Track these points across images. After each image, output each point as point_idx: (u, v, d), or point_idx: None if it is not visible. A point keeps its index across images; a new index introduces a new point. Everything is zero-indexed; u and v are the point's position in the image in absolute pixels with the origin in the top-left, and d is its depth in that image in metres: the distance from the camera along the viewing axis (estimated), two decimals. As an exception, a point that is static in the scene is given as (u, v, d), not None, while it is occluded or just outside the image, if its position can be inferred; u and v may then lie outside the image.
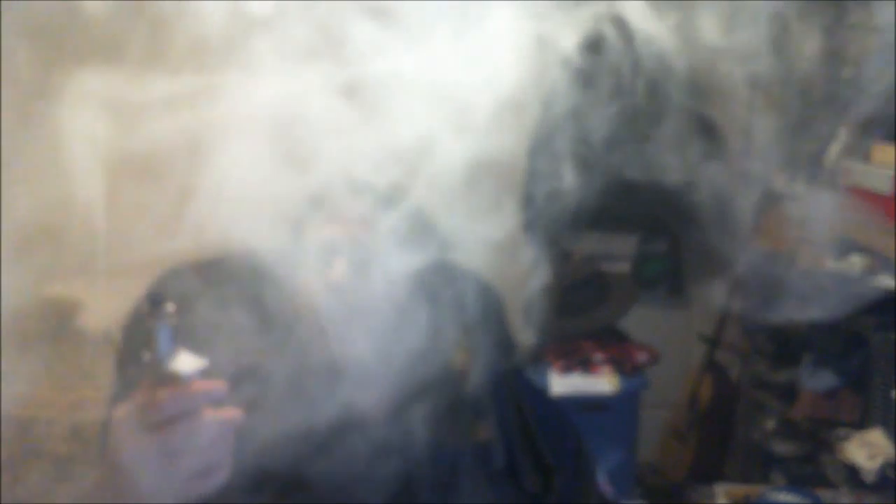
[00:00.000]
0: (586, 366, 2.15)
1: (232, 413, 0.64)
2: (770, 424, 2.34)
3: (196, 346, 1.01)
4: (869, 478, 1.69)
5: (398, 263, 0.88)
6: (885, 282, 1.72)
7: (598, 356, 2.17)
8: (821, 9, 2.38)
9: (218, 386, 0.64)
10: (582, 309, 2.26)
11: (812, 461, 2.19)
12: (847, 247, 1.89)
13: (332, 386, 0.86)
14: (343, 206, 0.89)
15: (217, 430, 0.62)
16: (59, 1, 2.84)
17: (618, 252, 2.87)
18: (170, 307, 0.64)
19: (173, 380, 0.62)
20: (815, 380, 1.99)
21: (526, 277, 3.24)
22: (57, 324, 2.39)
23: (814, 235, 2.02)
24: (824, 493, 1.85)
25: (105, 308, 2.65)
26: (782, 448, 2.26)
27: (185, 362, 0.63)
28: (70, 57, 2.84)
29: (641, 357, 2.18)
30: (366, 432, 0.86)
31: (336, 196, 0.91)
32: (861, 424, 1.87)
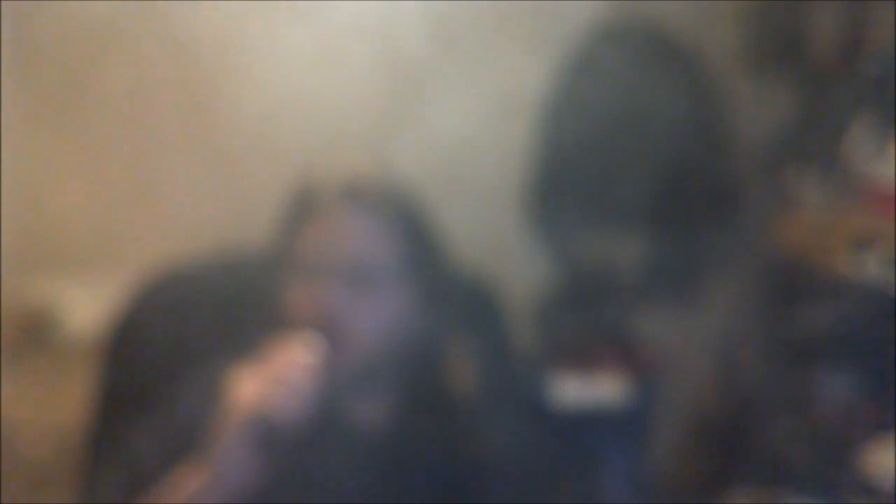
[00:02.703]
0: (592, 369, 2.14)
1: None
2: (784, 431, 2.31)
3: (187, 349, 1.00)
4: (886, 486, 1.67)
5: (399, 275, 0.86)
6: (905, 284, 1.69)
7: (604, 359, 2.14)
8: (840, 1, 2.35)
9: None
10: (586, 310, 2.26)
11: (828, 469, 2.16)
12: (864, 248, 1.86)
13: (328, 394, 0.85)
14: (340, 212, 0.88)
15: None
16: (58, 1, 2.80)
17: (623, 252, 2.85)
18: None
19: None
20: (833, 386, 1.97)
21: (530, 279, 3.20)
22: (40, 328, 2.39)
23: (830, 236, 2.00)
24: (840, 502, 1.82)
25: (90, 313, 2.64)
26: (797, 455, 2.23)
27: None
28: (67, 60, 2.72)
29: (650, 361, 2.18)
30: (363, 442, 0.85)
31: (328, 197, 0.88)
32: (880, 432, 1.82)
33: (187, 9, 2.81)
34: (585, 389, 2.12)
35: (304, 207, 0.89)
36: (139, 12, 2.83)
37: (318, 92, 2.92)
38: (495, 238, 3.07)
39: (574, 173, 2.78)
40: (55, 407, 2.04)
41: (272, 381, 0.73)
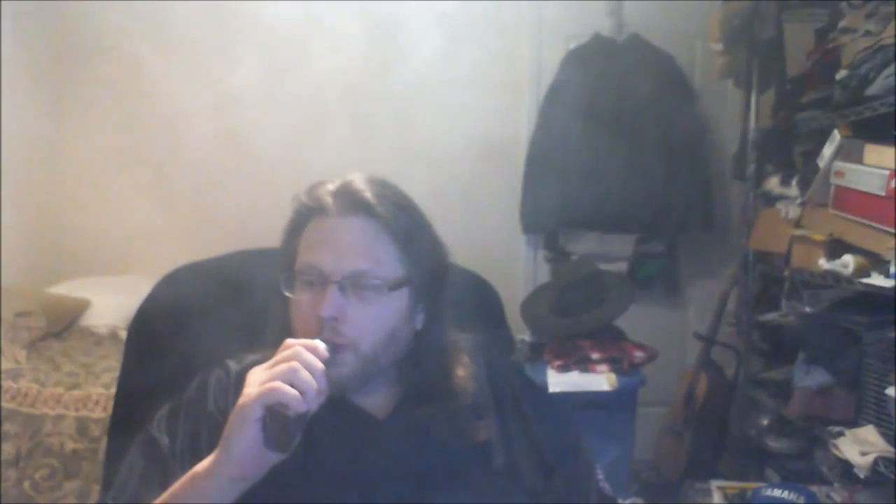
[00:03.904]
0: (584, 364, 2.16)
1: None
2: (764, 421, 2.36)
3: (201, 342, 1.03)
4: (861, 474, 1.70)
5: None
6: (877, 281, 1.74)
7: (596, 355, 2.17)
8: (815, 12, 2.41)
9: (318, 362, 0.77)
10: (580, 308, 2.26)
11: (806, 457, 2.21)
12: (840, 247, 1.90)
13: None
14: (337, 219, 0.86)
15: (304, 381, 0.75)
16: (59, 1, 2.85)
17: (616, 252, 2.90)
18: None
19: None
20: (809, 377, 2.00)
21: (525, 277, 3.27)
22: (64, 322, 2.43)
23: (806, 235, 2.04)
24: (818, 489, 1.87)
25: (111, 307, 2.67)
26: (776, 444, 2.28)
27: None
28: (74, 64, 2.84)
29: (638, 355, 2.19)
30: (369, 433, 0.86)
31: (329, 206, 0.87)
32: (854, 421, 1.89)
33: (220, 61, 2.90)
34: (576, 384, 2.13)
35: (306, 216, 0.89)
36: (180, 60, 2.92)
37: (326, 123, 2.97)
38: (494, 242, 3.11)
39: (562, 182, 2.82)
40: (80, 401, 2.04)
41: (280, 378, 0.74)
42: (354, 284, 0.84)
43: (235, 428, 0.75)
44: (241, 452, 0.74)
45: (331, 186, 0.89)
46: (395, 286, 0.86)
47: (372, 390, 0.89)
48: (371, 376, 0.86)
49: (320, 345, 0.79)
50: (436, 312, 0.92)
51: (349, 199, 0.87)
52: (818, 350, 1.98)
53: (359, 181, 0.89)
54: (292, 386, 0.74)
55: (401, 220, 0.88)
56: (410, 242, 0.88)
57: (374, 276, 0.84)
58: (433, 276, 0.91)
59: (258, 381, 0.76)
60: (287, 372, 0.75)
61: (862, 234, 1.83)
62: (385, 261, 0.86)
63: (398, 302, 0.87)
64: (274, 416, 0.74)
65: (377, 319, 0.85)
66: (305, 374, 0.75)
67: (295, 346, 0.78)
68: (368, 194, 0.87)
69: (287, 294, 0.87)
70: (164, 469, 0.82)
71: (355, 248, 0.85)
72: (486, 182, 2.99)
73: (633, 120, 2.77)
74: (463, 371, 0.92)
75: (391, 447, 0.87)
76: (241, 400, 0.75)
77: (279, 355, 0.77)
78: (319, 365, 0.77)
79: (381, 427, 0.88)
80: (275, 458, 0.75)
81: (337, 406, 0.84)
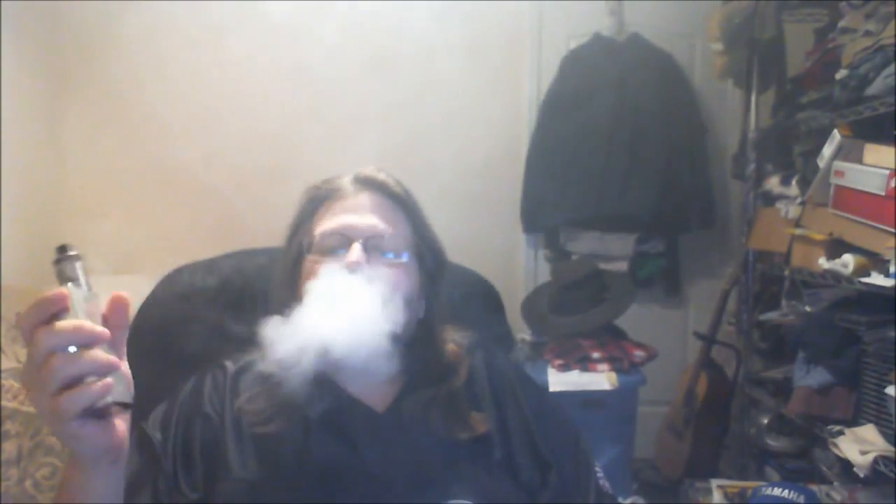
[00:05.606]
0: (584, 363, 2.16)
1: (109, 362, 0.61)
2: (764, 420, 2.36)
3: (200, 341, 1.04)
4: (861, 473, 1.70)
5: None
6: (877, 281, 1.74)
7: (596, 354, 2.18)
8: (815, 12, 2.41)
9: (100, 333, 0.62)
10: (580, 307, 2.27)
11: (806, 456, 2.21)
12: (840, 247, 1.90)
13: (332, 374, 0.87)
14: (353, 196, 0.91)
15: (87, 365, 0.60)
16: (59, 1, 2.85)
17: (616, 252, 2.90)
18: (74, 250, 0.65)
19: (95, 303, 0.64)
20: (809, 377, 2.00)
21: (525, 277, 3.28)
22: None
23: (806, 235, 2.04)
24: (818, 488, 1.87)
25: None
26: (776, 443, 2.29)
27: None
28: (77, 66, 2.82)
29: (638, 354, 2.19)
30: (368, 425, 0.86)
31: (345, 185, 0.93)
32: (854, 420, 1.89)
33: (220, 62, 2.91)
34: (576, 383, 2.13)
35: (320, 200, 0.94)
36: (182, 62, 2.93)
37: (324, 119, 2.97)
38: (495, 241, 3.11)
39: (563, 181, 2.82)
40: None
41: (55, 388, 0.59)
42: (375, 248, 0.88)
43: (68, 442, 0.64)
44: (90, 449, 0.64)
45: (345, 176, 0.96)
46: (412, 252, 0.91)
47: (371, 384, 0.89)
48: (383, 355, 0.84)
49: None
50: (433, 307, 0.95)
51: (365, 181, 0.94)
52: (818, 349, 1.98)
53: (371, 170, 0.96)
54: (78, 382, 0.59)
55: (411, 202, 0.95)
56: (420, 224, 0.94)
57: (393, 240, 0.90)
58: (433, 269, 0.95)
59: (40, 406, 0.61)
60: (55, 376, 0.59)
61: (862, 234, 1.83)
62: (401, 229, 0.92)
63: (413, 272, 0.91)
64: (92, 412, 0.61)
65: (397, 281, 0.88)
66: (86, 360, 0.60)
67: (39, 331, 0.61)
68: (383, 176, 0.95)
69: (301, 265, 0.90)
70: (155, 466, 0.82)
71: (375, 213, 0.91)
72: (487, 181, 2.99)
73: (634, 119, 2.78)
74: (462, 366, 0.94)
75: (390, 439, 0.88)
76: (49, 425, 0.62)
77: (28, 355, 0.61)
78: (85, 331, 0.60)
79: (380, 420, 0.89)
80: (121, 417, 0.65)
81: (336, 399, 0.85)
